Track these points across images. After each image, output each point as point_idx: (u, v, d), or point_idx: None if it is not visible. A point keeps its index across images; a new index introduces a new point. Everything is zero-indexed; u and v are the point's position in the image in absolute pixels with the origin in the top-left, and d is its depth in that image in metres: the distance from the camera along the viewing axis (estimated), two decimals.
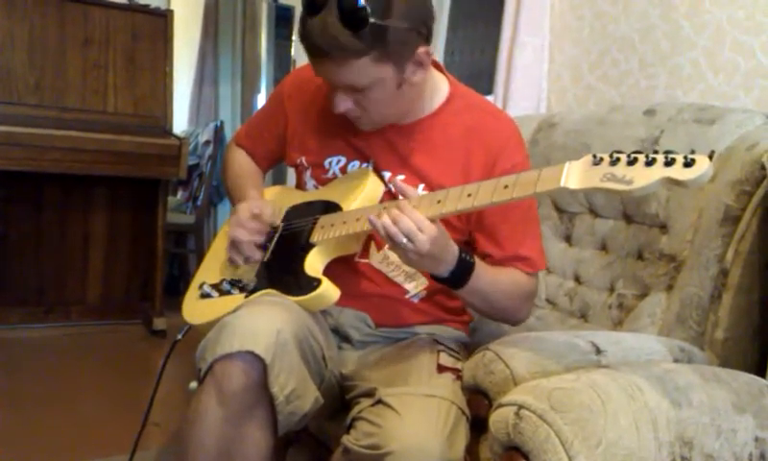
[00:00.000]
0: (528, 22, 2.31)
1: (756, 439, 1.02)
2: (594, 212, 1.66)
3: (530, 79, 2.33)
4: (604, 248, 1.62)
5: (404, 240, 1.05)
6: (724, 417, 1.00)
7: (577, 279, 1.67)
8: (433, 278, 1.18)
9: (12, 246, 3.05)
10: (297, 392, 1.09)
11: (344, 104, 1.20)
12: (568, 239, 1.73)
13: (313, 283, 1.20)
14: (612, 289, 1.55)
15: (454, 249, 1.13)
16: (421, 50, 1.16)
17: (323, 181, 1.36)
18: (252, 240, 1.31)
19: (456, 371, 1.21)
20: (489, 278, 1.20)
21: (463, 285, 1.16)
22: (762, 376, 1.17)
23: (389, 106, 1.22)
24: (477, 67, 2.89)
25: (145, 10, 3.19)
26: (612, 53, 2.12)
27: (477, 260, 1.17)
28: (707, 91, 1.85)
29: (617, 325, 1.49)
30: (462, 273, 1.14)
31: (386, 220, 1.07)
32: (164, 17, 3.18)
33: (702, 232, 1.33)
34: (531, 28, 2.31)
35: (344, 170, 1.34)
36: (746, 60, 1.77)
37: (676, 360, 1.20)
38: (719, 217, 1.30)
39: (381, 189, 1.28)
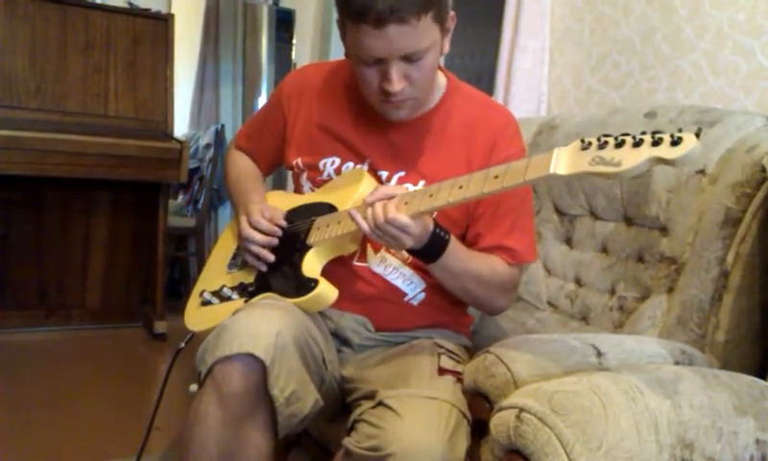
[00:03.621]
0: (528, 25, 2.31)
1: (758, 441, 1.02)
2: (595, 215, 1.66)
3: (530, 81, 2.33)
4: (604, 250, 1.62)
5: (391, 241, 1.12)
6: (725, 419, 1.00)
7: (578, 282, 1.67)
8: (407, 251, 1.19)
9: (13, 249, 3.04)
10: (297, 394, 1.09)
11: (401, 81, 1.17)
12: (569, 242, 1.73)
13: (311, 284, 1.20)
14: (612, 291, 1.55)
15: (429, 225, 1.14)
16: (451, 13, 1.21)
17: (318, 183, 1.36)
18: (266, 241, 1.31)
19: (457, 374, 1.21)
20: (464, 257, 1.22)
21: (435, 259, 1.18)
22: (763, 378, 1.17)
23: (432, 78, 1.24)
24: (478, 70, 2.90)
25: (146, 14, 3.19)
26: (613, 55, 2.12)
27: (454, 240, 1.19)
28: (707, 94, 1.85)
29: (618, 327, 1.48)
30: (435, 246, 1.16)
31: (375, 229, 1.11)
32: (165, 21, 3.18)
33: (702, 235, 1.33)
34: (531, 31, 2.31)
35: (338, 171, 1.34)
36: (747, 62, 1.77)
37: (677, 363, 1.20)
38: (720, 219, 1.30)
39: None
